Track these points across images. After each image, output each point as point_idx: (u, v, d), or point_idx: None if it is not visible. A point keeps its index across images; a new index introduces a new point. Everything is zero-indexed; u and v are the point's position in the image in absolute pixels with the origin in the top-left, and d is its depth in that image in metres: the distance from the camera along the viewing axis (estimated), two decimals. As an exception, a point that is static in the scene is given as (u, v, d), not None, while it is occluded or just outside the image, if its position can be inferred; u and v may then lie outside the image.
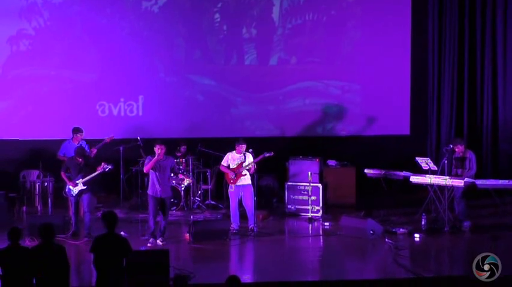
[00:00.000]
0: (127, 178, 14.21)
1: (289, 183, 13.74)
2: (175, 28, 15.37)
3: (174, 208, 13.55)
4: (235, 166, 12.05)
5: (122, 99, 15.22)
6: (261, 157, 12.14)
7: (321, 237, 12.16)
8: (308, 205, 13.25)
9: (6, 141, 14.77)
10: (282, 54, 15.62)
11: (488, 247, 9.57)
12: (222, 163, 12.25)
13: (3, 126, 14.79)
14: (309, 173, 13.26)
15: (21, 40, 14.97)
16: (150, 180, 11.39)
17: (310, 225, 12.78)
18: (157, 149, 11.18)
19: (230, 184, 12.13)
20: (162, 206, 11.25)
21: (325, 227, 12.59)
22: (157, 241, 11.19)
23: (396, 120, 15.75)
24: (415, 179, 12.44)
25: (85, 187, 11.62)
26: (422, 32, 15.73)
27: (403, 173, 12.69)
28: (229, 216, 12.25)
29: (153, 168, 11.21)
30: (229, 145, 12.50)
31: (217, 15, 15.44)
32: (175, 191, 13.43)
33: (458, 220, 12.11)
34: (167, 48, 15.38)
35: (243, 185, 12.07)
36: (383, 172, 13.00)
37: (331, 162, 14.48)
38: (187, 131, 15.14)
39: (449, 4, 15.57)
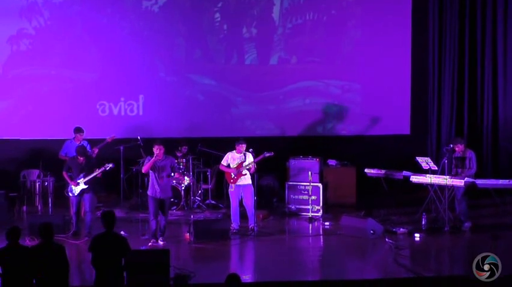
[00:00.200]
0: (127, 178, 14.21)
1: (290, 183, 13.75)
2: (176, 28, 15.36)
3: (174, 207, 13.55)
4: (235, 166, 12.05)
5: (122, 99, 15.22)
6: (261, 156, 12.13)
7: (321, 237, 12.17)
8: (308, 205, 13.25)
9: (6, 141, 14.78)
10: (282, 53, 15.61)
11: (488, 247, 9.55)
12: (221, 162, 12.24)
13: (3, 126, 14.79)
14: (309, 172, 13.27)
15: (22, 40, 14.97)
16: (150, 181, 11.38)
17: (310, 225, 12.78)
18: (156, 150, 11.15)
19: (230, 184, 12.12)
20: (161, 206, 11.24)
21: (326, 226, 12.59)
22: (159, 241, 11.19)
23: (396, 120, 15.74)
24: (415, 178, 12.44)
25: (86, 186, 11.63)
26: (422, 32, 15.73)
27: (404, 173, 12.68)
28: (229, 216, 12.24)
29: (152, 168, 11.21)
30: (229, 144, 12.49)
31: (217, 15, 15.43)
32: (175, 190, 13.42)
33: (459, 220, 12.10)
34: (167, 47, 15.38)
35: (243, 185, 12.06)
36: (383, 171, 12.99)
37: (332, 162, 14.49)
38: (188, 130, 15.14)
39: (449, 4, 15.57)
